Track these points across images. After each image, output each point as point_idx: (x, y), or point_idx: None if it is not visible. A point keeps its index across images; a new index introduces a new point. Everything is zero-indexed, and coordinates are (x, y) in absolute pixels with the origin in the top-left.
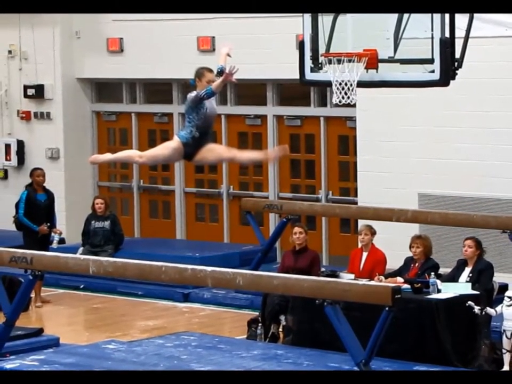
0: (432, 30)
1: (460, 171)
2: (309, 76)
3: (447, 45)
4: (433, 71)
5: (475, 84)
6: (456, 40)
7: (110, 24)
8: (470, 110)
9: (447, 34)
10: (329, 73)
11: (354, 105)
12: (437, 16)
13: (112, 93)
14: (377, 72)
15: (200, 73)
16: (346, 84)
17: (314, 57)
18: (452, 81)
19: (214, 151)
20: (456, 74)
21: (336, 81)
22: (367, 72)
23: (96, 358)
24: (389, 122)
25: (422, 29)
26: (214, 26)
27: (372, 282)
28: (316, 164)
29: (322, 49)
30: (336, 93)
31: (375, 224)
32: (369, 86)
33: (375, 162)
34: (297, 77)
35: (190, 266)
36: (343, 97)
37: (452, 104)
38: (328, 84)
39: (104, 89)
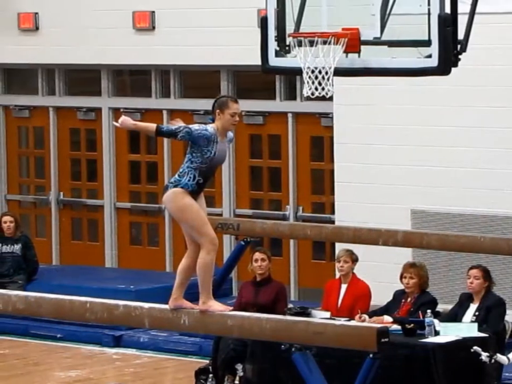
0: (428, 4)
1: (464, 182)
2: (274, 61)
3: (448, 22)
4: (430, 56)
5: (482, 72)
6: (460, 16)
7: None
8: (475, 104)
9: (448, 9)
10: (299, 58)
11: (330, 99)
12: None
13: (24, 83)
14: (359, 56)
15: (223, 103)
16: (320, 72)
17: (281, 38)
18: (453, 69)
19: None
20: (459, 60)
21: (308, 68)
22: (346, 56)
23: None
24: (374, 120)
25: (416, 3)
26: None
27: (353, 322)
28: (283, 172)
29: (290, 28)
30: (308, 83)
31: (356, 248)
32: (350, 75)
33: (357, 170)
34: (259, 62)
35: (122, 303)
36: (316, 89)
37: (453, 96)
38: (298, 71)
39: (14, 77)
